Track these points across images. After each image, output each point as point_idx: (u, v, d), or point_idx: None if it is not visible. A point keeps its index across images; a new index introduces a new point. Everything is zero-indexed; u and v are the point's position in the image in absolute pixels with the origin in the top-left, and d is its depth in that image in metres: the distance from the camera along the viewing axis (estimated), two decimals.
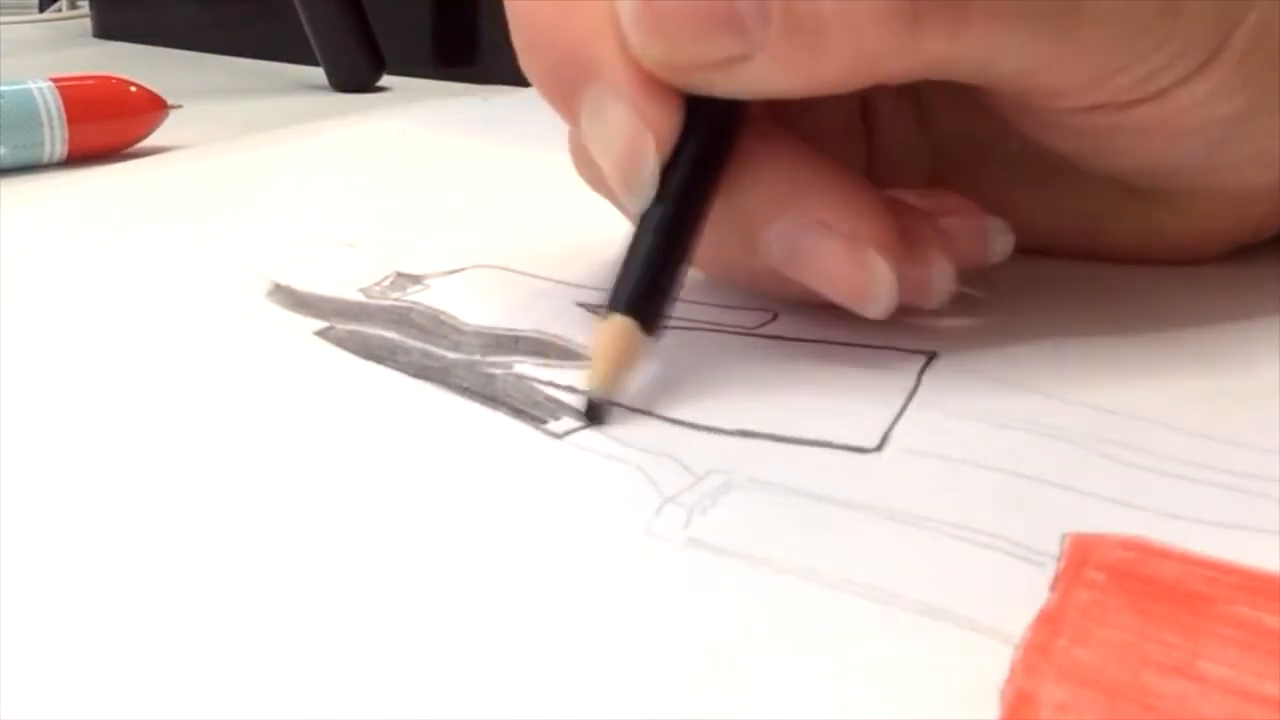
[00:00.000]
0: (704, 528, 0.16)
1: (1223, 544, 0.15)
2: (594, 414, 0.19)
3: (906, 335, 0.22)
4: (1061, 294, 0.25)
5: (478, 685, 0.13)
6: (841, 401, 0.20)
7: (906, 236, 0.21)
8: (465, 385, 0.21)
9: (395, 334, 0.23)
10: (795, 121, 0.22)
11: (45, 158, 0.40)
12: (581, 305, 0.24)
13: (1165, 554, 0.15)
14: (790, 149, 0.21)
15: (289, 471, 0.18)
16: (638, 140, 0.19)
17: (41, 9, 0.98)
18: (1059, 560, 0.15)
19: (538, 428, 0.19)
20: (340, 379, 0.21)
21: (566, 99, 0.20)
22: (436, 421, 0.20)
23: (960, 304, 0.23)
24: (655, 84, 0.19)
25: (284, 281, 0.26)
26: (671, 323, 0.21)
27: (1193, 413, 0.19)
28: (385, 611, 0.14)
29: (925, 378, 0.21)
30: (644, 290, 0.20)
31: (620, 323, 0.19)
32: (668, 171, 0.20)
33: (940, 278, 0.21)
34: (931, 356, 0.21)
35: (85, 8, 0.89)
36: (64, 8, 0.97)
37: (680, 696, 0.13)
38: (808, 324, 0.23)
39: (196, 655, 0.14)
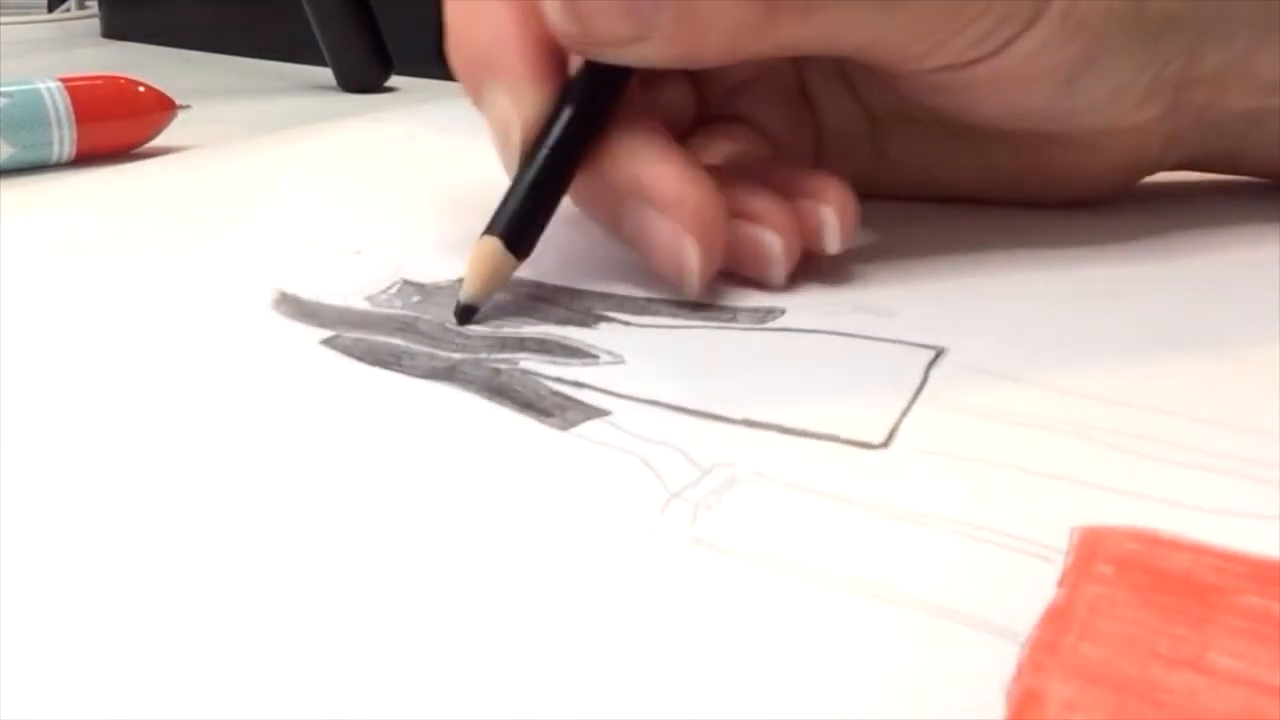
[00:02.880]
0: (709, 525, 0.16)
1: (1232, 533, 0.15)
2: (463, 317, 0.24)
3: (913, 331, 0.22)
4: (1062, 287, 0.25)
5: (484, 683, 0.13)
6: (848, 396, 0.20)
7: (749, 213, 0.25)
8: (471, 380, 0.21)
9: (401, 340, 0.23)
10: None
11: (54, 158, 0.40)
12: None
13: (1175, 545, 0.15)
14: (651, 141, 0.25)
15: (296, 471, 0.18)
16: (509, 124, 0.25)
17: (50, 9, 0.98)
18: (1067, 555, 0.15)
19: (543, 421, 0.19)
20: (347, 384, 0.21)
21: (474, 91, 0.25)
22: (443, 418, 0.20)
23: (969, 300, 0.23)
24: (531, 76, 0.24)
25: (290, 290, 0.26)
26: (678, 318, 0.23)
27: (1199, 400, 0.19)
28: (392, 609, 0.14)
29: (932, 373, 0.21)
30: (515, 220, 0.24)
31: (491, 242, 0.24)
32: (542, 138, 0.24)
33: (773, 249, 0.25)
34: (939, 352, 0.21)
35: (94, 8, 0.89)
36: (72, 8, 0.97)
37: (685, 695, 0.13)
38: (816, 318, 0.23)
39: (207, 658, 0.14)
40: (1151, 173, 0.30)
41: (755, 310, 0.24)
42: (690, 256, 0.23)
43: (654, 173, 0.24)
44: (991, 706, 0.12)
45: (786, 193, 0.25)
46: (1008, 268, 0.25)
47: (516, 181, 0.25)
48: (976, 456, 0.18)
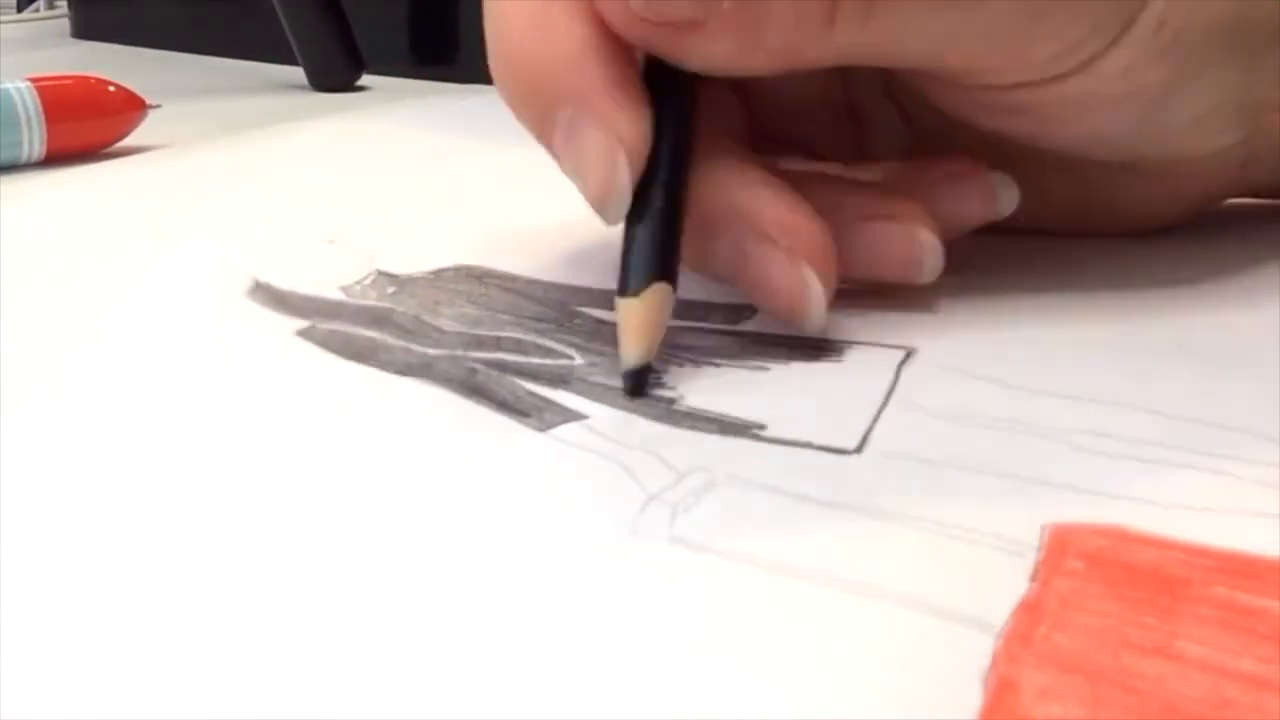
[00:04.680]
0: (688, 526, 0.16)
1: (1198, 527, 0.15)
2: (637, 385, 0.20)
3: (885, 331, 0.22)
4: (1033, 286, 0.25)
5: (460, 684, 0.13)
6: (821, 400, 0.20)
7: (892, 214, 0.23)
8: (448, 378, 0.21)
9: (377, 333, 0.23)
10: (791, 124, 0.24)
11: (23, 158, 0.40)
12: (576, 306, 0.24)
13: (1142, 540, 0.15)
14: (742, 165, 0.22)
15: (273, 470, 0.18)
16: (612, 159, 0.21)
17: (19, 9, 0.98)
18: (1038, 551, 0.15)
19: (521, 422, 0.19)
20: (324, 378, 0.21)
21: (540, 121, 0.22)
22: (420, 417, 0.20)
23: (939, 295, 0.24)
24: (625, 101, 0.21)
25: (264, 279, 0.26)
26: None
27: (1164, 398, 0.19)
28: (366, 609, 0.14)
29: (903, 374, 0.21)
30: (659, 265, 0.21)
31: (648, 297, 0.20)
32: (652, 170, 0.21)
33: (929, 249, 0.23)
34: (910, 352, 0.21)
35: (64, 8, 0.89)
36: (42, 8, 0.96)
37: (664, 694, 0.13)
38: None
39: (173, 648, 0.14)
40: (1220, 202, 0.28)
41: (728, 308, 0.24)
42: (813, 288, 0.21)
43: (757, 200, 0.22)
44: (969, 696, 0.13)
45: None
46: (978, 267, 0.26)
47: (640, 225, 0.21)
48: (947, 458, 0.18)
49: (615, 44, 0.21)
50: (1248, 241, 0.27)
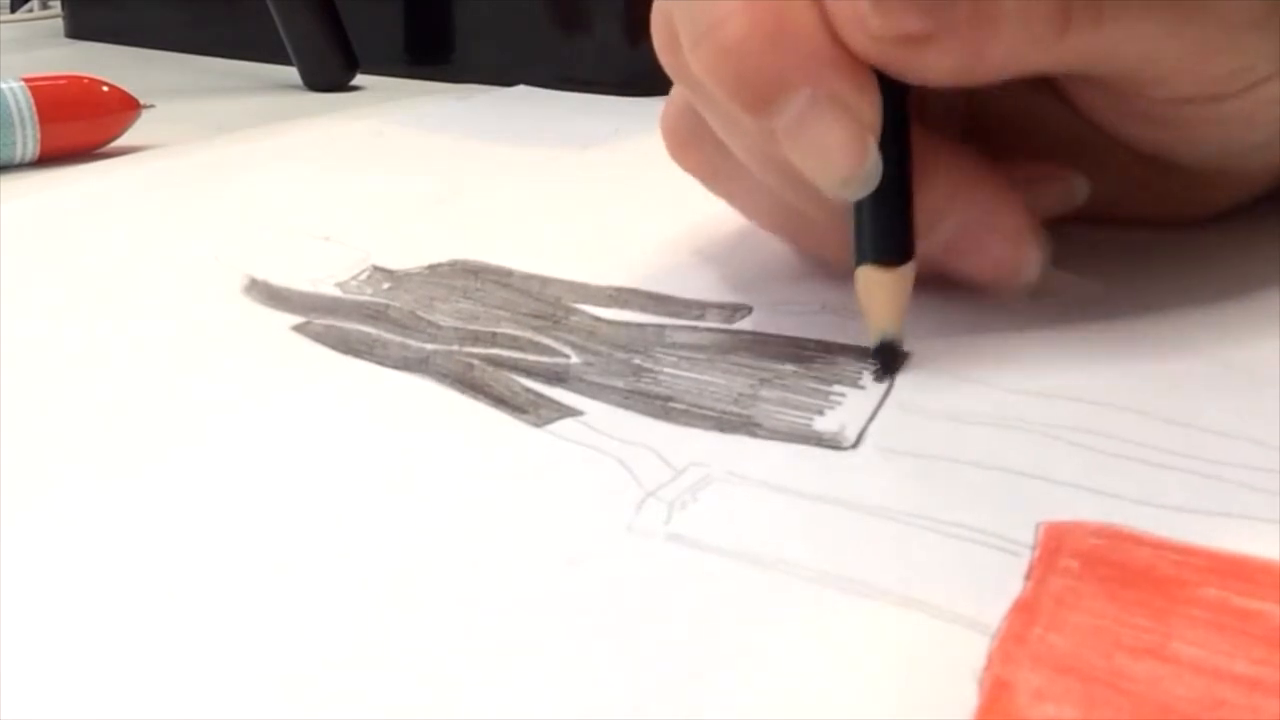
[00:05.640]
0: (685, 523, 0.16)
1: (1191, 528, 0.15)
2: (889, 361, 0.21)
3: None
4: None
5: (455, 681, 0.13)
6: (817, 400, 0.20)
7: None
8: (444, 372, 0.21)
9: (373, 329, 0.23)
10: None
11: (17, 158, 0.40)
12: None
13: (1137, 540, 0.15)
14: (950, 152, 0.23)
15: (269, 465, 0.18)
16: (859, 138, 0.21)
17: (13, 9, 0.98)
18: (1033, 549, 0.15)
19: (517, 418, 0.19)
20: (320, 373, 0.21)
21: (764, 104, 0.21)
22: (416, 413, 0.20)
23: (934, 302, 0.24)
24: (864, 84, 0.21)
25: (260, 277, 0.26)
26: (647, 312, 0.24)
27: (1161, 399, 0.19)
28: (362, 606, 0.14)
29: (899, 377, 0.21)
30: (903, 241, 0.22)
31: (898, 271, 0.21)
32: (889, 146, 0.21)
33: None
34: (905, 356, 0.21)
35: (57, 8, 0.89)
36: (36, 8, 0.96)
37: (662, 691, 0.13)
38: (783, 317, 0.23)
39: (172, 645, 0.14)
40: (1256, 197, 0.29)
41: (723, 306, 0.24)
42: (1036, 257, 0.23)
43: (978, 188, 0.23)
44: (964, 696, 0.13)
45: None
46: None
47: (879, 201, 0.22)
48: (943, 455, 0.18)
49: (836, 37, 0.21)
50: (1253, 244, 0.27)
